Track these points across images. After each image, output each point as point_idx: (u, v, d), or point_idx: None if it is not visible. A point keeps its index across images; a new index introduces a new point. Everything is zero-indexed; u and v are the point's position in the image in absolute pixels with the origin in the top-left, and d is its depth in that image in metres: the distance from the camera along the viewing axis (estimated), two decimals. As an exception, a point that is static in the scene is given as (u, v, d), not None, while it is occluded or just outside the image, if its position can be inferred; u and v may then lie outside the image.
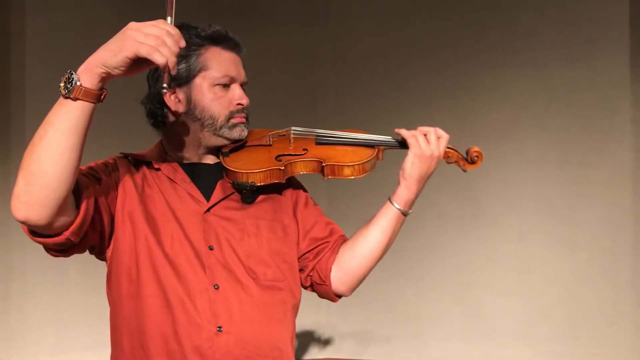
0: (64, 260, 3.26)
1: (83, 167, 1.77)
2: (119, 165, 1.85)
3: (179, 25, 1.86)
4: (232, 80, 1.88)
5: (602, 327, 3.32)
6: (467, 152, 1.98)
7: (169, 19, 1.61)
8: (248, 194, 1.88)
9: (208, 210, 1.84)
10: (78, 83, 1.52)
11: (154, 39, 1.52)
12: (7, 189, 3.24)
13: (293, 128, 1.96)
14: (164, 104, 1.88)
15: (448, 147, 1.95)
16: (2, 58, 3.29)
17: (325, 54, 4.04)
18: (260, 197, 1.91)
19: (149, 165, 1.88)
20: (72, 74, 1.53)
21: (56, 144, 1.56)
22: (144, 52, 1.50)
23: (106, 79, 1.55)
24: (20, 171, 1.59)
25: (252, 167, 1.84)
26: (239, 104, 1.88)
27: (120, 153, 1.92)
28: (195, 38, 1.86)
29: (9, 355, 3.22)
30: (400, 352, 3.80)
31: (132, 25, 1.55)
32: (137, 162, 1.89)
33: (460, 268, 3.67)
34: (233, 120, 1.87)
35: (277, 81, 3.83)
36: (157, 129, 1.94)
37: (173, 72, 1.54)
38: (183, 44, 1.55)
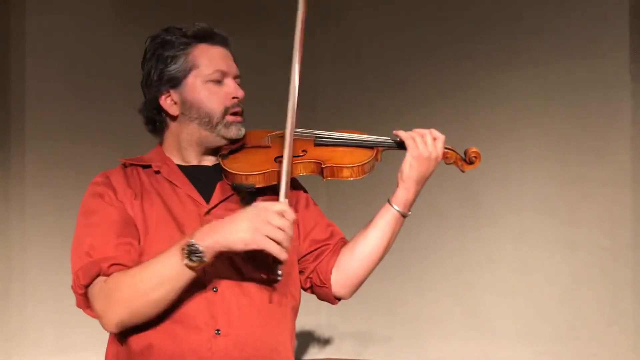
0: (64, 260, 3.26)
1: (105, 234, 1.78)
2: (111, 184, 1.84)
3: (164, 29, 1.88)
4: (224, 74, 1.88)
5: (602, 327, 3.32)
6: (465, 153, 1.98)
7: (283, 198, 1.75)
8: (247, 195, 1.88)
9: (208, 212, 1.84)
10: (205, 260, 1.65)
11: (282, 234, 1.63)
12: (7, 189, 3.26)
13: (292, 128, 1.94)
14: (160, 109, 1.89)
15: (446, 148, 1.94)
16: (2, 58, 3.29)
17: (324, 54, 4.04)
18: (260, 198, 1.90)
19: (148, 169, 1.88)
20: (197, 246, 1.64)
21: (165, 300, 1.70)
22: (273, 250, 1.63)
23: (221, 253, 1.67)
24: (125, 302, 1.70)
25: (251, 169, 1.84)
26: (234, 97, 1.88)
27: (119, 160, 1.92)
28: (182, 38, 1.87)
29: (9, 355, 3.22)
30: (400, 352, 3.80)
31: (262, 212, 1.65)
32: (133, 167, 1.90)
33: (460, 268, 3.67)
34: (228, 118, 1.86)
35: (276, 81, 3.81)
36: (156, 135, 1.95)
37: (280, 272, 1.72)
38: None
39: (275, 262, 1.71)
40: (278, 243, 1.63)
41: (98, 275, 1.73)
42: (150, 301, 1.69)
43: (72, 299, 3.33)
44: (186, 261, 1.65)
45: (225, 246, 1.64)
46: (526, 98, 3.52)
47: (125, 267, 1.73)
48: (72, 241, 1.81)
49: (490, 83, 3.63)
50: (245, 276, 1.81)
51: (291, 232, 1.65)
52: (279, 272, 1.73)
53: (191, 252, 1.64)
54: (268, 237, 1.63)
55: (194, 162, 1.92)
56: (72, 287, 1.78)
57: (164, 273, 1.68)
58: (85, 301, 1.77)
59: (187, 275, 1.67)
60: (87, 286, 1.74)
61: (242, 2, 3.91)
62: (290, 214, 1.66)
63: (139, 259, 1.76)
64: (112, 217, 1.79)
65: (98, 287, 1.73)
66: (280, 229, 1.63)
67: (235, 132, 1.88)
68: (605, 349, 3.30)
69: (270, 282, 1.82)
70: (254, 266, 1.82)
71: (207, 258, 1.65)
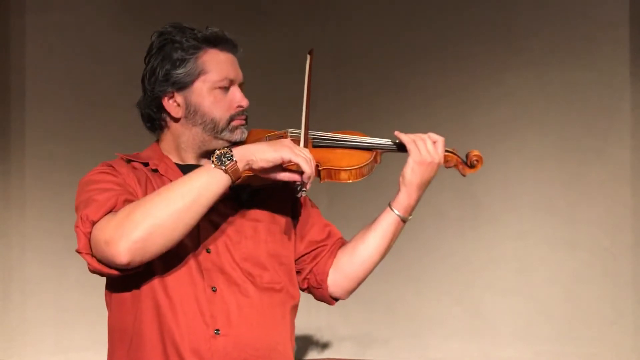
0: (64, 260, 3.30)
1: (118, 192, 1.76)
2: (121, 171, 1.83)
3: (174, 26, 1.86)
4: (232, 82, 1.87)
5: (602, 327, 3.32)
6: (466, 156, 1.95)
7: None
8: (245, 196, 1.87)
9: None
10: (235, 160, 1.69)
11: (304, 156, 1.73)
12: (8, 189, 3.26)
13: (290, 130, 1.92)
14: (161, 109, 1.87)
15: (448, 151, 1.92)
16: (2, 58, 3.29)
17: (324, 54, 4.03)
18: (258, 199, 1.90)
19: (146, 166, 1.87)
20: (226, 151, 1.70)
21: (188, 213, 1.67)
22: (297, 160, 1.71)
23: (251, 168, 1.71)
24: (148, 218, 1.64)
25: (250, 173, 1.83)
26: (239, 106, 1.87)
27: (116, 154, 1.91)
28: (192, 40, 1.84)
29: (9, 355, 3.22)
30: (400, 352, 3.80)
31: (284, 141, 1.76)
32: (133, 162, 1.89)
33: (460, 268, 3.67)
34: (234, 123, 1.86)
35: (275, 81, 3.82)
36: (154, 132, 1.94)
37: (307, 188, 1.74)
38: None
39: (299, 185, 1.75)
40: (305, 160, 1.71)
41: (110, 211, 1.70)
42: (173, 212, 1.64)
43: (72, 299, 3.35)
44: (216, 163, 1.68)
45: (253, 157, 1.70)
46: (526, 98, 3.52)
47: None
48: (76, 201, 1.77)
49: (490, 83, 3.63)
50: (244, 277, 1.81)
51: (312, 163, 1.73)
52: (304, 190, 1.75)
53: (221, 155, 1.68)
54: (294, 152, 1.71)
55: (193, 162, 1.91)
56: (76, 228, 1.71)
57: (192, 183, 1.68)
58: (88, 245, 1.70)
59: (216, 183, 1.67)
60: (95, 223, 1.69)
61: (242, 3, 3.91)
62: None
63: None
64: (122, 188, 1.78)
65: (106, 219, 1.68)
66: (304, 155, 1.72)
67: (239, 135, 1.87)
68: (605, 349, 3.30)
69: (267, 284, 1.83)
70: (252, 267, 1.82)
71: (238, 161, 1.68)
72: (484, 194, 3.62)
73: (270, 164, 1.71)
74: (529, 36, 3.51)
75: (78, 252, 1.71)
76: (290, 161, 1.71)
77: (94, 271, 1.73)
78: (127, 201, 1.72)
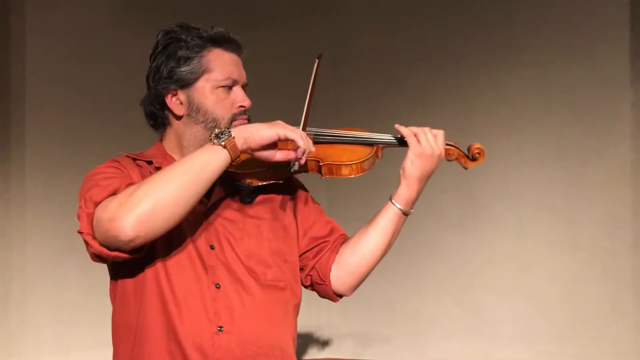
0: (64, 260, 3.30)
1: (121, 178, 1.76)
2: (127, 167, 1.84)
3: (179, 25, 1.87)
4: (235, 82, 1.88)
5: (602, 327, 3.32)
6: (468, 149, 1.96)
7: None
8: (247, 193, 1.88)
9: (208, 209, 1.84)
10: (232, 136, 1.72)
11: (299, 132, 1.78)
12: (8, 189, 3.26)
13: None
14: (165, 106, 1.88)
15: (448, 145, 1.93)
16: (1, 58, 3.29)
17: (324, 52, 4.03)
18: (260, 196, 1.91)
19: (150, 165, 1.88)
20: (223, 129, 1.75)
21: (191, 186, 1.69)
22: (293, 136, 1.74)
23: (248, 146, 1.74)
24: (151, 193, 1.65)
25: (250, 167, 1.84)
26: (241, 106, 1.88)
27: (121, 153, 1.91)
28: (197, 39, 1.86)
29: (9, 355, 3.22)
30: (400, 352, 3.80)
31: (281, 122, 1.79)
32: (138, 161, 1.90)
33: (460, 268, 3.67)
34: (235, 123, 1.86)
35: (275, 79, 3.83)
36: (157, 130, 1.94)
37: (302, 162, 1.77)
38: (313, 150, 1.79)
39: (292, 162, 1.78)
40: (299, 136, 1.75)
41: (113, 194, 1.70)
42: (176, 187, 1.66)
43: (72, 298, 3.35)
44: (215, 141, 1.71)
45: (250, 134, 1.73)
46: (526, 97, 3.52)
47: None
48: (79, 191, 1.77)
49: (490, 82, 3.63)
50: (248, 274, 1.81)
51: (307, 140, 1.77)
52: (295, 165, 1.78)
53: (219, 133, 1.72)
54: (289, 129, 1.75)
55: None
56: (79, 210, 1.71)
57: (193, 160, 1.71)
58: (90, 226, 1.69)
59: (217, 158, 1.70)
60: (99, 203, 1.69)
61: (242, 3, 3.91)
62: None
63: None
64: (126, 176, 1.79)
65: (109, 199, 1.69)
66: (299, 132, 1.76)
67: None
68: (606, 348, 3.30)
69: (271, 281, 1.83)
70: (256, 264, 1.83)
71: (236, 137, 1.71)
72: (484, 194, 3.62)
73: (266, 141, 1.73)
74: (529, 36, 3.51)
75: (79, 232, 1.71)
76: (286, 137, 1.74)
77: (94, 254, 1.72)
78: (130, 185, 1.73)
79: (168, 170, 1.70)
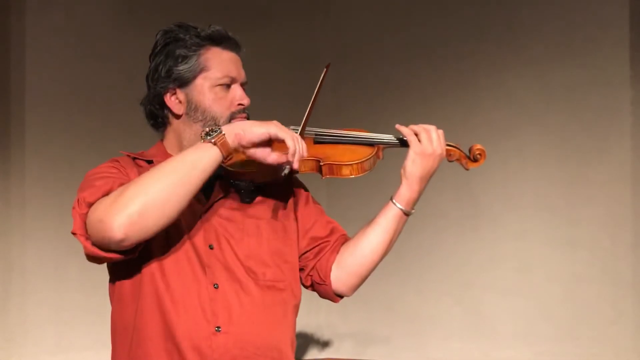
0: (64, 260, 3.30)
1: (115, 178, 1.76)
2: (126, 167, 1.85)
3: (178, 25, 1.88)
4: (233, 80, 1.88)
5: (602, 327, 3.31)
6: (469, 150, 1.96)
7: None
8: (247, 193, 1.88)
9: (208, 209, 1.84)
10: (223, 133, 1.69)
11: (291, 133, 1.74)
12: (8, 189, 3.26)
13: (291, 127, 1.92)
14: (164, 106, 1.88)
15: (449, 145, 1.93)
16: (2, 58, 3.29)
17: (324, 52, 4.04)
18: (260, 196, 1.91)
19: (150, 164, 1.88)
20: (213, 127, 1.73)
21: (182, 185, 1.67)
22: (284, 135, 1.71)
23: (239, 144, 1.71)
24: (140, 192, 1.64)
25: (249, 167, 1.84)
26: (239, 104, 1.88)
27: (121, 152, 1.92)
28: (195, 38, 1.87)
29: (9, 355, 3.22)
30: (400, 352, 3.80)
31: (275, 121, 1.76)
32: (138, 160, 1.90)
33: (460, 268, 3.67)
34: (234, 122, 1.86)
35: (275, 79, 3.83)
36: (157, 130, 1.95)
37: (294, 166, 1.73)
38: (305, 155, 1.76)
39: (283, 165, 1.75)
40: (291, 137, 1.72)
41: (106, 194, 1.70)
42: (166, 186, 1.65)
43: (72, 298, 3.35)
44: (205, 139, 1.69)
45: (242, 131, 1.70)
46: (526, 97, 3.52)
47: None
48: (77, 190, 1.77)
49: (490, 83, 3.63)
50: (247, 274, 1.81)
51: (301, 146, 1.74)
52: (285, 169, 1.75)
53: (210, 130, 1.71)
54: (281, 129, 1.72)
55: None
56: (73, 210, 1.72)
57: (183, 158, 1.70)
58: (84, 226, 1.70)
59: (207, 156, 1.68)
60: (92, 204, 1.69)
61: (242, 3, 3.91)
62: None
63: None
64: (122, 175, 1.79)
65: (101, 199, 1.69)
66: (292, 134, 1.73)
67: None
68: (606, 349, 3.30)
69: (270, 282, 1.83)
70: (255, 264, 1.82)
71: (226, 134, 1.69)
72: (484, 194, 3.62)
73: (257, 138, 1.71)
74: (530, 35, 3.51)
75: (73, 233, 1.71)
76: (276, 136, 1.71)
77: (89, 255, 1.72)
78: (123, 185, 1.73)
79: (158, 169, 1.69)
